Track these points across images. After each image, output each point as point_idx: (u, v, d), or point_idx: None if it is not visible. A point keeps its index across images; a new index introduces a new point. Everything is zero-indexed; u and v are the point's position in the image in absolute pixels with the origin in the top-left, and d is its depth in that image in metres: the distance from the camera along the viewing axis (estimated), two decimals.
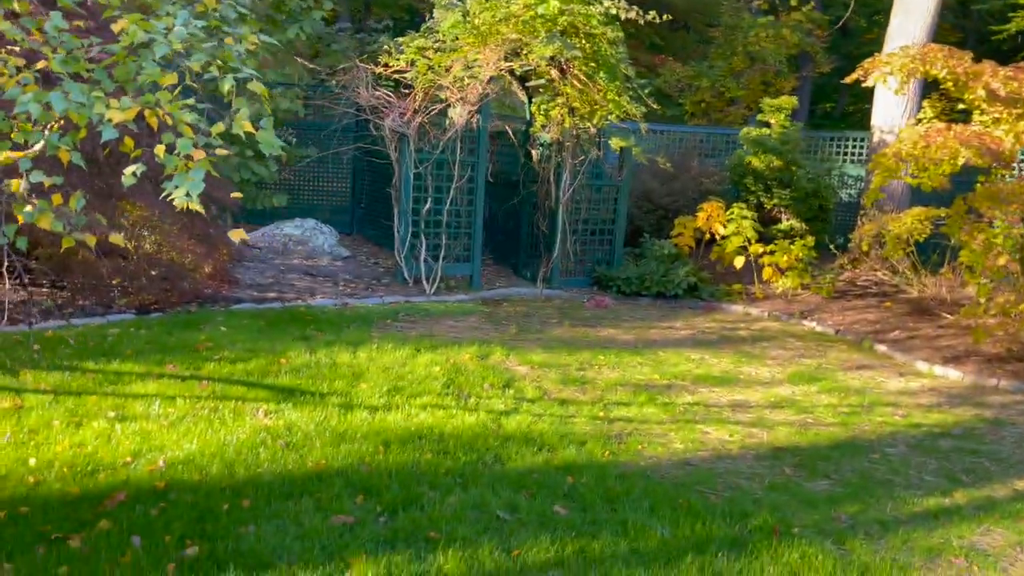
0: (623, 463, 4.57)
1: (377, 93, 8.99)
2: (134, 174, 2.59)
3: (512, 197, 10.60)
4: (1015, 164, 7.57)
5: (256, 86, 2.65)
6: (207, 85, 3.10)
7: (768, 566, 3.48)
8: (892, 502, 4.30)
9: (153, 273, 7.08)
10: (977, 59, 7.32)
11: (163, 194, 2.57)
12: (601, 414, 5.39)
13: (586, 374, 6.30)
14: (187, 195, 2.54)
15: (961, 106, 7.53)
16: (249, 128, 2.60)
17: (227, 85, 2.52)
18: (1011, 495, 4.53)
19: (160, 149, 2.53)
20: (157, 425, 4.48)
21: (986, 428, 5.72)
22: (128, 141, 2.80)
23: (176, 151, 2.52)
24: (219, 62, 2.62)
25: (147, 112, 2.77)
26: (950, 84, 7.07)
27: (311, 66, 11.70)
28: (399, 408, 5.11)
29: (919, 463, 4.93)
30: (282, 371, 5.64)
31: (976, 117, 7.32)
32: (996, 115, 6.88)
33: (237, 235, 2.88)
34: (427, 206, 9.04)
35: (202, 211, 2.77)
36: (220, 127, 2.56)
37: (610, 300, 9.45)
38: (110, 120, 2.70)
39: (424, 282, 9.03)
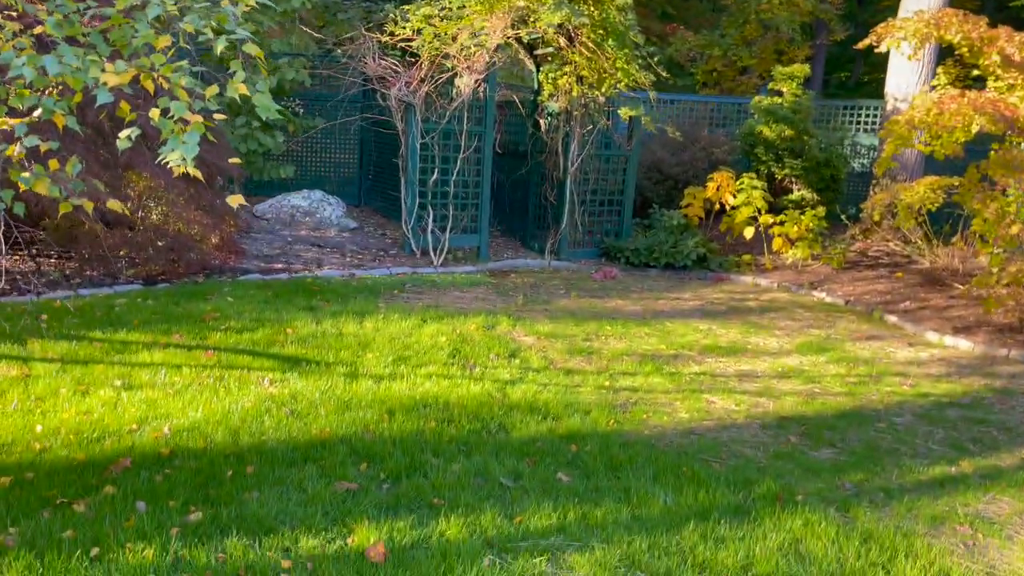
0: (627, 432, 4.56)
1: (383, 62, 8.91)
2: (129, 138, 2.57)
3: (520, 168, 10.52)
4: None
5: (251, 48, 2.61)
6: (210, 53, 3.06)
7: (771, 533, 3.48)
8: (897, 471, 4.29)
9: (160, 244, 7.09)
10: (993, 25, 7.16)
11: (158, 159, 2.55)
12: (607, 384, 5.38)
13: (592, 344, 6.28)
14: (183, 160, 2.51)
15: (976, 72, 7.38)
16: (244, 91, 2.56)
17: (220, 47, 2.48)
18: (1018, 464, 4.50)
19: (155, 113, 2.50)
20: (163, 393, 4.50)
21: (995, 398, 5.68)
22: (124, 105, 2.77)
23: (170, 115, 2.49)
24: (213, 24, 2.58)
25: (142, 76, 2.74)
26: (965, 50, 6.92)
27: (317, 36, 11.59)
28: (404, 377, 5.12)
29: (926, 432, 4.90)
30: (288, 341, 5.65)
31: (991, 83, 7.18)
32: (1011, 81, 6.74)
33: (235, 200, 2.86)
34: (434, 177, 8.99)
35: (200, 176, 2.75)
36: (214, 89, 2.53)
37: (618, 271, 9.40)
38: (105, 84, 2.67)
39: (431, 253, 9.01)
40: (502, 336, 6.25)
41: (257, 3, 2.73)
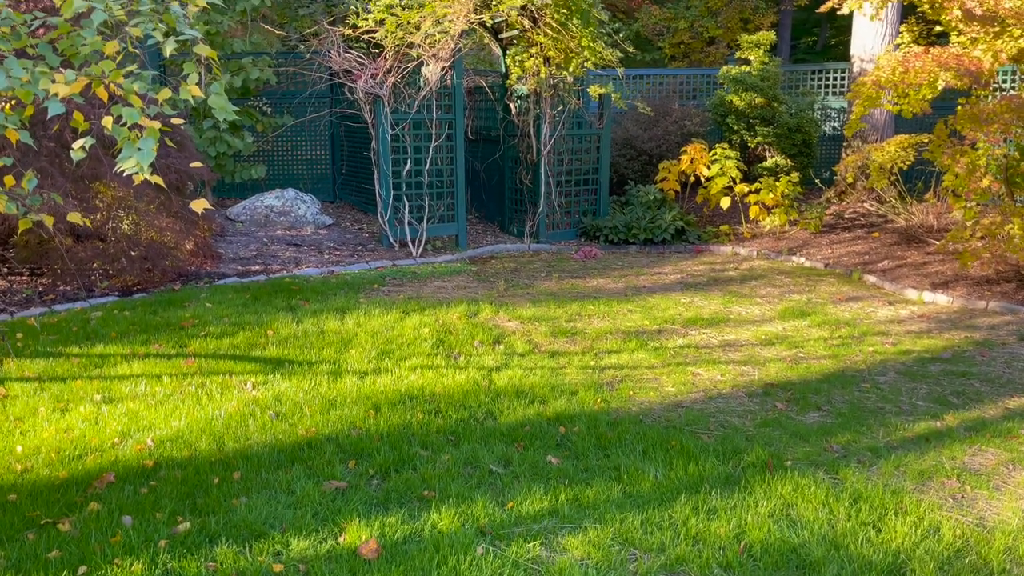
0: (615, 410, 4.57)
1: (348, 56, 8.81)
2: (84, 148, 2.51)
3: (494, 153, 10.48)
4: (994, 84, 7.47)
5: (203, 48, 2.55)
6: (172, 58, 2.99)
7: (762, 500, 3.50)
8: (883, 429, 4.32)
9: (133, 254, 6.99)
10: None
11: (116, 167, 2.50)
12: (592, 363, 5.38)
13: (576, 325, 6.28)
14: (140, 168, 2.46)
15: (939, 29, 7.39)
16: (197, 92, 2.51)
17: (169, 48, 2.42)
18: (1001, 414, 4.55)
19: (108, 121, 2.44)
20: (144, 405, 4.45)
21: (975, 350, 5.73)
22: (77, 115, 2.71)
23: (123, 121, 2.44)
24: (161, 26, 2.52)
25: (94, 84, 2.68)
26: (926, 6, 6.93)
27: (280, 33, 11.45)
28: (389, 371, 5.09)
29: (909, 389, 4.94)
30: (269, 343, 5.61)
31: (954, 39, 7.19)
32: (973, 35, 6.76)
33: (199, 205, 2.81)
34: (407, 167, 8.92)
35: (161, 182, 2.70)
36: (167, 93, 2.47)
37: (598, 250, 9.40)
38: (56, 95, 2.61)
39: (410, 245, 8.96)
40: (485, 323, 6.23)
41: (209, 3, 2.67)
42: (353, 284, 7.41)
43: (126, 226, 7.10)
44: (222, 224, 9.50)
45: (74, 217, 2.76)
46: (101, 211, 6.95)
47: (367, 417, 4.35)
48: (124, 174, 2.44)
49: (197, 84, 2.61)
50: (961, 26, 6.77)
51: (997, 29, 6.67)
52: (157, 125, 2.65)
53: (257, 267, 8.04)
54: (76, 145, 2.49)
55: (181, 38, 2.48)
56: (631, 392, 4.86)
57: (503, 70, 9.80)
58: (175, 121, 2.77)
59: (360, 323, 6.10)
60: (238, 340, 5.65)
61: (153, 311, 6.32)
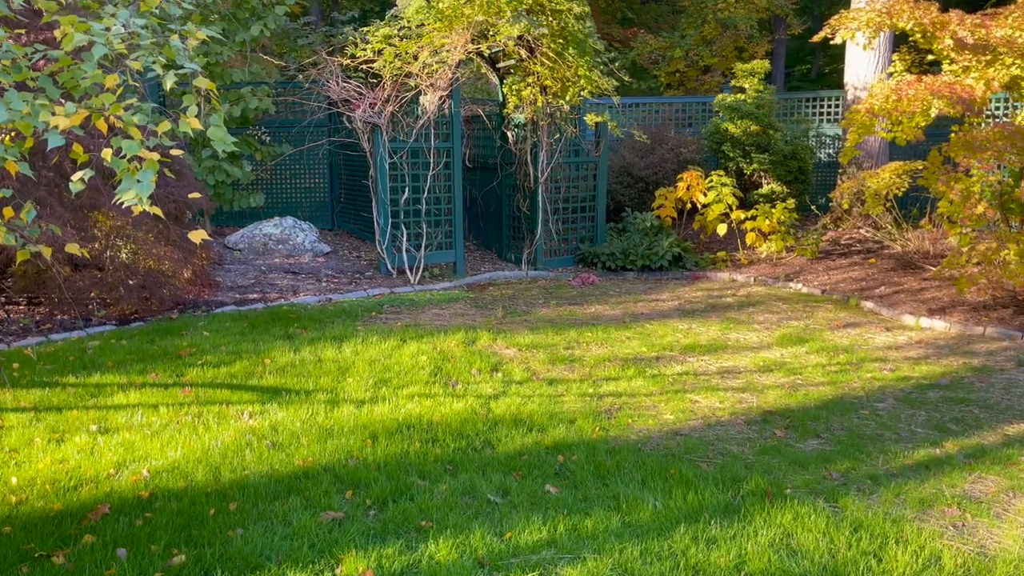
0: (613, 438, 4.55)
1: (347, 85, 8.89)
2: (83, 179, 2.53)
3: (491, 180, 10.53)
4: (987, 111, 7.55)
5: (202, 81, 2.58)
6: (174, 91, 3.02)
7: (762, 529, 3.47)
8: (883, 456, 4.30)
9: (131, 283, 7.00)
10: (945, 10, 7.27)
11: (115, 199, 2.51)
12: (590, 391, 5.37)
13: (574, 352, 6.27)
14: (139, 199, 2.47)
15: (931, 57, 7.48)
16: (197, 125, 2.53)
17: (169, 82, 2.45)
18: (1001, 441, 4.53)
19: (107, 153, 2.46)
20: (140, 435, 4.42)
21: (973, 376, 5.73)
22: (77, 147, 2.73)
23: (123, 154, 2.45)
24: (161, 59, 2.55)
25: (94, 116, 2.70)
26: (918, 35, 7.02)
27: (279, 63, 11.56)
28: (386, 400, 5.08)
29: (908, 416, 4.93)
30: (266, 371, 5.59)
31: (946, 67, 7.28)
32: (965, 63, 6.84)
33: (198, 236, 2.82)
34: (405, 195, 8.97)
35: (160, 213, 2.71)
36: (166, 125, 2.49)
37: (596, 276, 9.41)
38: (56, 127, 2.63)
39: (408, 272, 8.98)
40: (483, 350, 6.22)
41: (209, 35, 2.70)
42: (351, 312, 7.41)
43: (124, 255, 7.11)
44: (220, 252, 9.52)
45: (72, 248, 2.77)
46: (99, 240, 6.96)
47: (364, 446, 4.33)
48: (123, 206, 2.45)
49: (196, 115, 2.63)
50: (953, 55, 6.85)
51: (989, 57, 6.75)
52: (156, 157, 2.67)
53: (255, 295, 8.04)
54: (75, 177, 2.51)
55: (181, 71, 2.50)
56: (630, 420, 4.84)
57: (500, 99, 9.89)
58: (174, 152, 2.79)
59: (358, 351, 6.09)
60: (235, 369, 5.63)
61: (150, 340, 6.31)
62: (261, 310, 7.42)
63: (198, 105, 2.79)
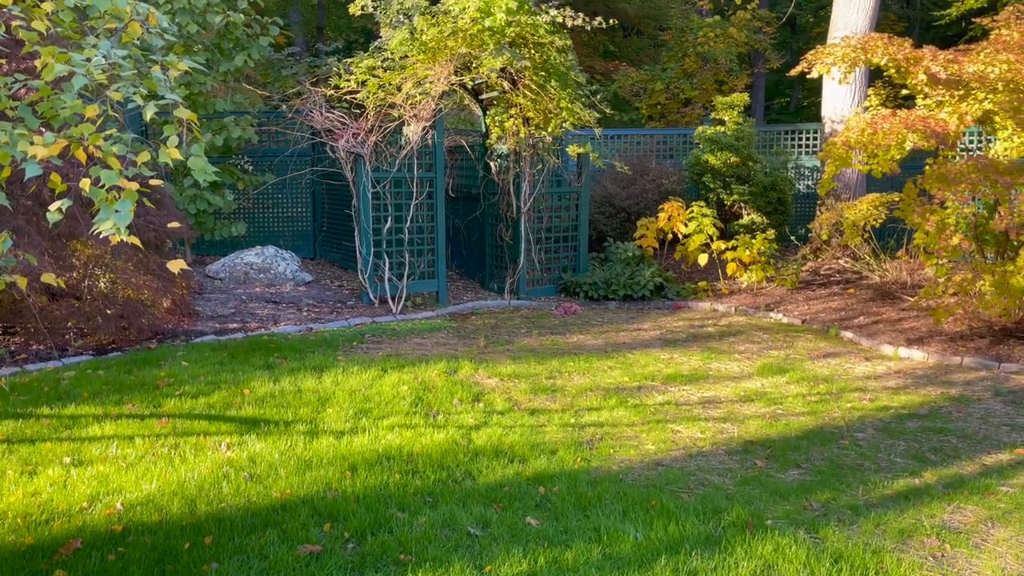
0: (595, 469, 4.53)
1: (330, 115, 8.93)
2: (60, 209, 2.52)
3: (474, 210, 10.58)
4: (961, 144, 7.70)
5: (183, 112, 2.59)
6: (157, 120, 3.02)
7: (743, 561, 3.46)
8: (863, 487, 4.31)
9: (109, 312, 6.93)
10: (919, 45, 7.45)
11: (92, 229, 2.50)
12: (572, 421, 5.36)
13: (556, 382, 6.26)
14: (117, 229, 2.46)
15: (905, 92, 7.64)
16: (177, 155, 2.53)
17: (150, 113, 2.46)
18: (979, 471, 4.56)
19: (85, 183, 2.45)
20: (115, 467, 4.35)
21: (951, 406, 5.77)
22: (55, 177, 2.72)
23: (101, 184, 2.45)
24: (142, 90, 2.55)
25: (73, 146, 2.70)
26: (893, 71, 7.17)
27: (263, 93, 11.61)
28: (366, 431, 5.03)
29: (888, 446, 4.95)
30: (245, 402, 5.53)
31: (920, 101, 7.43)
32: (939, 98, 6.99)
33: (176, 265, 2.81)
34: (388, 225, 8.98)
35: (138, 243, 2.70)
36: (145, 155, 2.49)
37: (578, 306, 9.44)
38: (34, 156, 2.62)
39: (390, 302, 8.96)
40: (465, 380, 6.20)
41: (191, 66, 2.72)
42: (332, 342, 7.37)
43: (103, 284, 7.05)
44: (200, 281, 9.46)
45: (48, 278, 2.75)
46: (77, 269, 6.90)
47: (343, 478, 4.28)
48: (101, 236, 2.44)
49: (177, 145, 2.63)
50: (927, 89, 7.00)
51: (962, 92, 6.91)
52: (135, 187, 2.66)
53: (235, 325, 7.98)
54: (53, 207, 2.50)
55: (162, 102, 2.51)
56: (611, 450, 4.83)
57: (483, 130, 9.97)
58: (154, 182, 2.79)
59: (338, 381, 6.05)
60: (214, 399, 5.57)
61: (127, 370, 6.23)
62: (241, 340, 7.37)
63: (179, 135, 2.79)
